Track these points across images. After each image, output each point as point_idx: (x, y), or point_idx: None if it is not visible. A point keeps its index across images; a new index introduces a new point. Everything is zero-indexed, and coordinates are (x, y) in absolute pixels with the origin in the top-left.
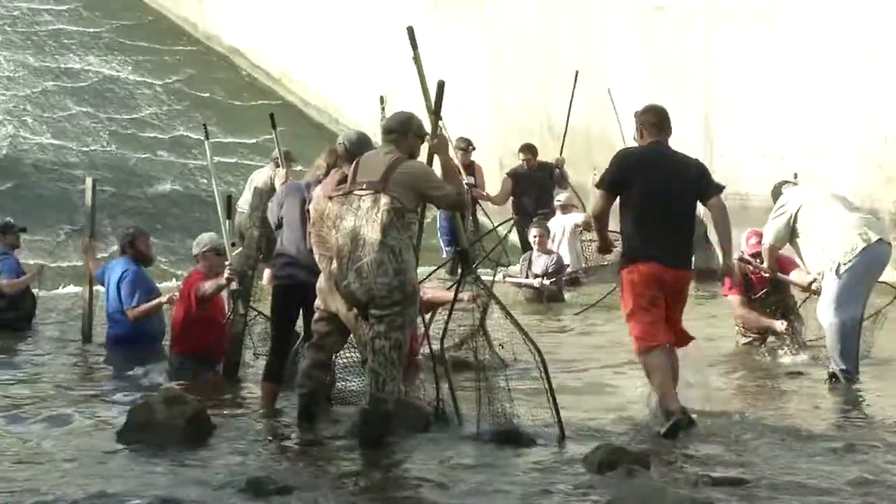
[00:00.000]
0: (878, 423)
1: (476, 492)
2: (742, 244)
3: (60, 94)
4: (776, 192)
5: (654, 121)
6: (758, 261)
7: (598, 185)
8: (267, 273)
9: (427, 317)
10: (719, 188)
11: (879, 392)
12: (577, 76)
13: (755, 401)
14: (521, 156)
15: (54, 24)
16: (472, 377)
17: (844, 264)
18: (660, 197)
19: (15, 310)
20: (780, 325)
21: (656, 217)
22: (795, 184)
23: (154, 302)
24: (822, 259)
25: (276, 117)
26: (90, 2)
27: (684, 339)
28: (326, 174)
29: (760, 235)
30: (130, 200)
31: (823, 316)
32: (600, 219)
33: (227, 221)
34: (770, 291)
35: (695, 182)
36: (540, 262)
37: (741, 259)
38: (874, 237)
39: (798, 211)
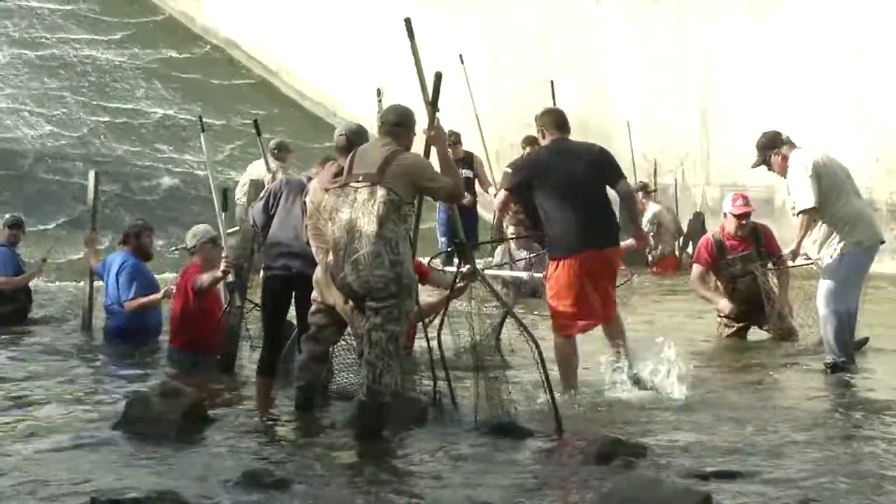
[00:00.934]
0: (875, 412)
1: (473, 483)
2: (727, 206)
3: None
4: (774, 142)
5: (553, 121)
6: (743, 222)
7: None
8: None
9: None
10: (622, 174)
11: (876, 381)
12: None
13: (750, 392)
14: (528, 149)
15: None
16: (469, 369)
17: (849, 253)
18: (566, 187)
19: (9, 303)
20: (723, 304)
21: (568, 208)
22: (793, 144)
23: (152, 296)
24: (823, 240)
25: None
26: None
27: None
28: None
29: (746, 198)
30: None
31: (823, 305)
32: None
33: (223, 214)
34: (739, 260)
35: (598, 167)
36: (520, 256)
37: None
38: (881, 234)
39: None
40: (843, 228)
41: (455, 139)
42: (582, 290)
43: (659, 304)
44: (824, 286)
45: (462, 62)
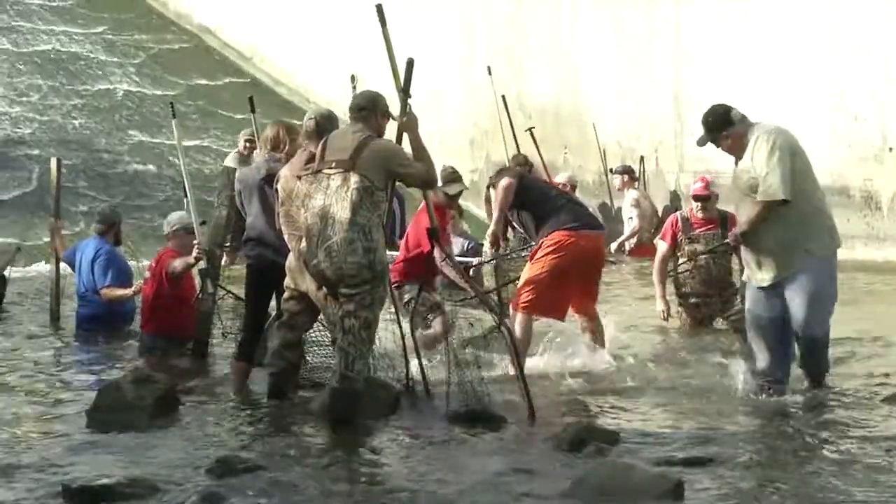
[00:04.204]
0: (847, 401)
1: (445, 471)
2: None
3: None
4: (724, 120)
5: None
6: (698, 206)
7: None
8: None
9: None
10: None
11: (847, 372)
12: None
13: (719, 379)
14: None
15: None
16: (442, 356)
17: (831, 258)
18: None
19: None
20: (660, 305)
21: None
22: (747, 120)
23: (126, 291)
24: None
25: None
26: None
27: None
28: (273, 147)
29: (707, 182)
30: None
31: (822, 322)
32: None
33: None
34: (702, 237)
35: None
36: (456, 244)
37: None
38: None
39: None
40: (819, 226)
41: None
42: (567, 278)
43: (630, 290)
44: (816, 303)
45: (490, 73)
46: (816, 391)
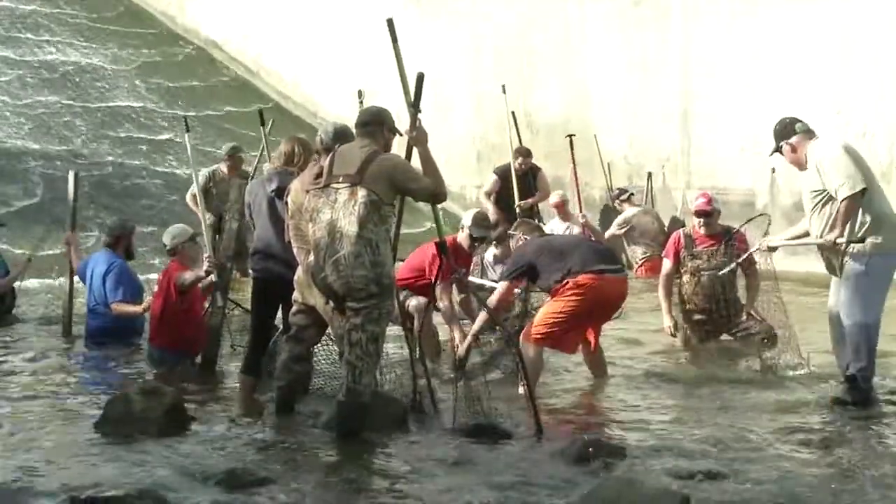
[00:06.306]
0: (853, 418)
1: (453, 485)
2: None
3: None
4: (786, 131)
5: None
6: (700, 221)
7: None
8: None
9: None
10: None
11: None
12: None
13: (732, 396)
14: (520, 159)
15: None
16: (449, 371)
17: (877, 257)
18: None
19: None
20: (667, 321)
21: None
22: (811, 132)
23: (136, 308)
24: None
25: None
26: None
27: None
28: (287, 162)
29: (709, 199)
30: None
31: (852, 313)
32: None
33: (206, 212)
34: (704, 253)
35: None
36: (498, 270)
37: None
38: None
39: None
40: (872, 227)
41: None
42: (585, 319)
43: (637, 306)
44: (847, 295)
45: (504, 91)
46: (831, 408)
